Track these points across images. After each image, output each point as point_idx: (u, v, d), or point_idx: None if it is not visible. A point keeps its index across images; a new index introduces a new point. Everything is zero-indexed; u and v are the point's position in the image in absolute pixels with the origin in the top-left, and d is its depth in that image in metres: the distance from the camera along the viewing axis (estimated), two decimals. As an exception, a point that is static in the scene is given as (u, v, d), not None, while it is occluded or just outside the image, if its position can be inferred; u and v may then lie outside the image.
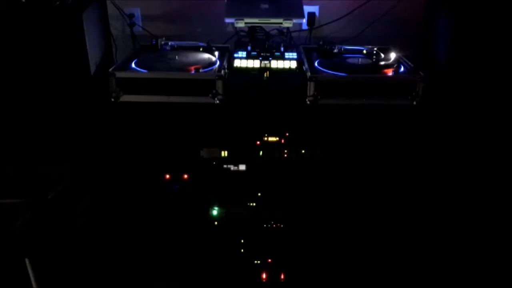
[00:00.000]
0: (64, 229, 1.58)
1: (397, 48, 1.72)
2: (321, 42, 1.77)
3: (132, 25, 1.97)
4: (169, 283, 1.64)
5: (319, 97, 1.49)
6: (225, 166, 1.57)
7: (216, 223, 1.61)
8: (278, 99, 1.53)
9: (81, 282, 1.58)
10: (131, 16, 1.97)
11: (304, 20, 1.85)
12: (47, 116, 1.59)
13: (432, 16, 1.87)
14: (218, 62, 1.63)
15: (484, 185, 1.63)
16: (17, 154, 1.61)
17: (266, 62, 1.59)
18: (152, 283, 1.64)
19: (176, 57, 1.67)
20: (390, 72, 1.58)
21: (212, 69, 1.58)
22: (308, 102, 1.50)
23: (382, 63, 1.66)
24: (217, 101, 1.50)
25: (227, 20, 1.66)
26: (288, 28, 1.79)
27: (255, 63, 1.59)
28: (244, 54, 1.64)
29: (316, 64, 1.62)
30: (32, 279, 1.47)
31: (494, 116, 1.63)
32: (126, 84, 1.50)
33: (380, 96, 1.51)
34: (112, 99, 1.50)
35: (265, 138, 1.55)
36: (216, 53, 1.72)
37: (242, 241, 1.63)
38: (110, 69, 1.51)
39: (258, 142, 1.56)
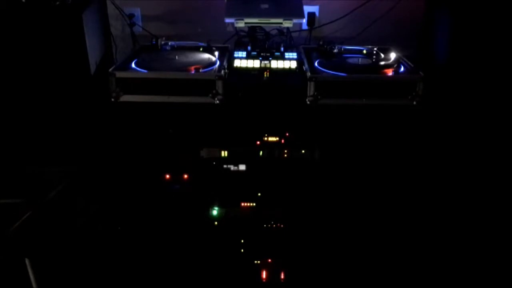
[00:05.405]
0: (64, 229, 1.58)
1: (397, 48, 1.72)
2: (321, 42, 1.76)
3: (132, 25, 1.97)
4: (169, 283, 1.64)
5: (319, 97, 1.49)
6: (225, 166, 1.57)
7: (216, 223, 1.61)
8: (278, 99, 1.53)
9: (81, 282, 1.58)
10: (131, 16, 1.97)
11: (304, 20, 1.85)
12: (47, 116, 1.59)
13: (432, 16, 1.87)
14: (218, 62, 1.63)
15: (484, 184, 1.63)
16: (17, 154, 1.61)
17: (266, 62, 1.59)
18: (152, 283, 1.64)
19: (176, 57, 1.67)
20: (390, 72, 1.58)
21: (212, 69, 1.58)
22: (308, 102, 1.50)
23: (382, 63, 1.66)
24: (217, 101, 1.50)
25: (227, 20, 1.66)
26: (288, 28, 1.79)
27: (255, 63, 1.59)
28: (244, 54, 1.64)
29: (316, 64, 1.62)
30: (32, 279, 1.47)
31: (494, 116, 1.62)
32: (126, 84, 1.50)
33: (380, 96, 1.51)
34: (112, 99, 1.50)
35: (265, 138, 1.55)
36: (216, 53, 1.72)
37: (242, 241, 1.63)
38: (110, 69, 1.51)
39: (258, 142, 1.56)
